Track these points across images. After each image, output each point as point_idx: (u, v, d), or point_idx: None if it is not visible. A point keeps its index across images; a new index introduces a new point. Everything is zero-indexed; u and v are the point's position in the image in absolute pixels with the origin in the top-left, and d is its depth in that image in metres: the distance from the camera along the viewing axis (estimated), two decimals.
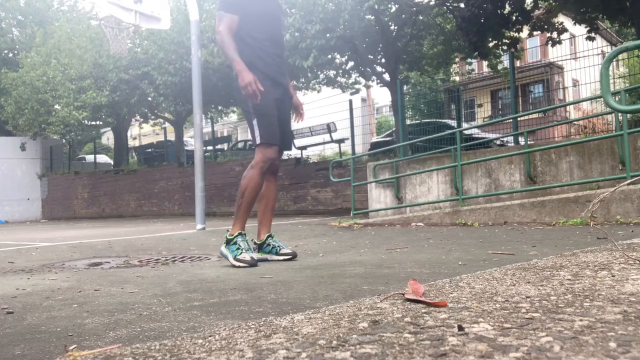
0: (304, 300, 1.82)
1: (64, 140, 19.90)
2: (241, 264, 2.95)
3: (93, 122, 19.26)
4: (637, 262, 1.62)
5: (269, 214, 3.37)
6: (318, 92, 16.84)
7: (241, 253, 3.00)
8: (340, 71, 15.35)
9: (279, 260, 3.18)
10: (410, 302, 1.17)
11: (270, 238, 3.30)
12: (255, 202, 3.20)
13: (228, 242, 3.08)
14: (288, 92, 3.39)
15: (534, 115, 15.06)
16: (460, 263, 2.67)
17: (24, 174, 19.62)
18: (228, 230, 3.14)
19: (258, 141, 3.16)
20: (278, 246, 3.27)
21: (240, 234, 3.09)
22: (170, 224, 10.20)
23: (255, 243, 3.31)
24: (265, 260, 3.20)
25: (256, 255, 3.15)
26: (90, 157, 24.53)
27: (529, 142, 7.32)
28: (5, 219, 18.29)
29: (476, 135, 11.43)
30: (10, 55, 22.07)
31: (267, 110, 3.18)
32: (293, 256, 3.23)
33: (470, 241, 3.90)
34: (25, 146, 19.26)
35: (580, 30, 12.48)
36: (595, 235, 3.66)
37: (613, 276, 1.40)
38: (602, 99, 3.99)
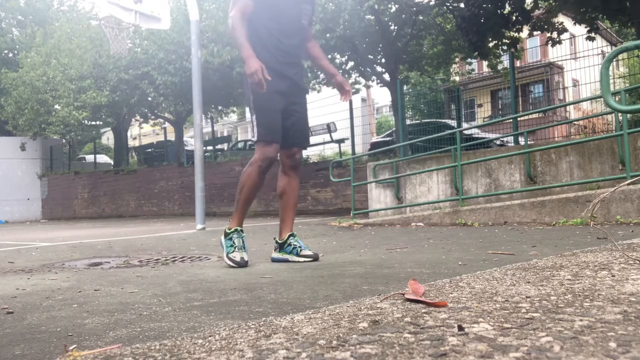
0: (304, 300, 1.82)
1: (64, 140, 19.90)
2: (230, 263, 2.92)
3: (93, 122, 19.27)
4: (637, 262, 1.62)
5: (290, 211, 3.24)
6: (318, 92, 16.84)
7: (233, 251, 2.97)
8: (340, 71, 15.34)
9: (300, 262, 3.05)
10: (410, 302, 1.17)
11: (292, 237, 3.16)
12: (252, 200, 3.13)
13: (226, 235, 3.07)
14: (299, 84, 3.21)
15: (534, 115, 15.07)
16: (460, 263, 2.67)
17: (24, 174, 19.62)
18: (230, 221, 3.15)
19: (255, 138, 3.07)
20: (299, 247, 3.14)
21: (236, 230, 3.04)
22: (170, 224, 10.20)
23: (276, 242, 3.21)
24: (286, 261, 3.09)
25: (277, 255, 3.15)
26: (90, 157, 24.54)
27: (529, 142, 7.32)
28: (5, 219, 18.29)
29: (476, 135, 11.44)
30: (10, 55, 22.07)
31: (267, 105, 3.06)
32: (314, 259, 3.08)
33: (470, 241, 3.90)
34: (25, 146, 19.26)
35: (580, 30, 12.48)
36: (595, 235, 3.66)
37: (613, 276, 1.40)
38: (602, 99, 3.99)
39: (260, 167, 3.03)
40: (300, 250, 3.12)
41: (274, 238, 3.28)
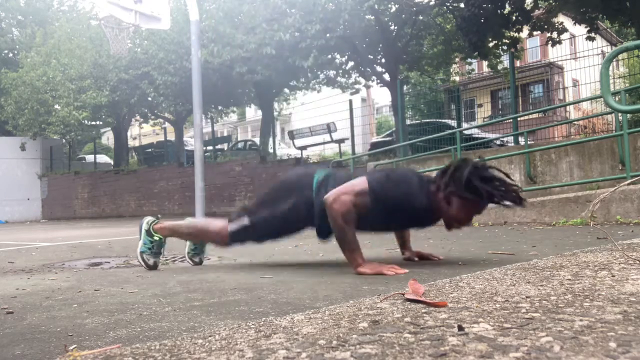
0: (304, 300, 1.82)
1: (64, 140, 19.91)
2: (141, 263, 2.94)
3: (93, 122, 19.27)
4: (637, 262, 1.62)
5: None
6: (318, 92, 16.85)
7: (148, 254, 2.94)
8: (340, 71, 15.35)
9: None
10: (410, 302, 1.17)
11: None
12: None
13: (149, 234, 2.95)
14: None
15: (534, 115, 15.05)
16: (460, 263, 2.67)
17: (24, 174, 19.62)
18: (157, 219, 3.03)
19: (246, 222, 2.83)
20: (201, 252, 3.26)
21: (160, 239, 2.96)
22: None
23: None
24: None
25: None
26: (90, 157, 24.54)
27: (529, 142, 7.32)
28: (5, 219, 18.28)
29: (476, 135, 11.43)
30: (10, 55, 22.08)
31: None
32: (197, 263, 3.20)
33: (470, 241, 3.90)
34: (25, 146, 19.26)
35: (580, 30, 12.48)
36: (595, 235, 3.66)
37: (613, 276, 1.40)
38: (602, 99, 3.99)
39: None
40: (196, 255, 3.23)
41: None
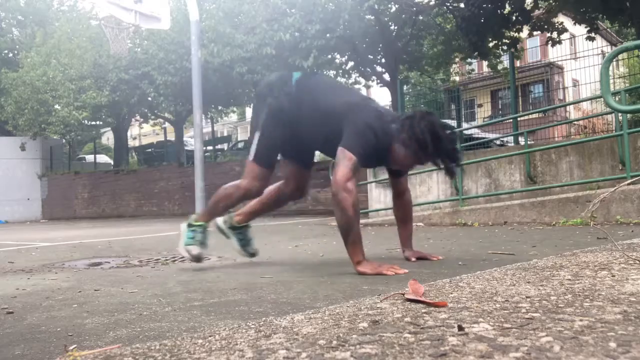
0: (304, 300, 1.82)
1: (64, 140, 19.91)
2: (186, 255, 2.93)
3: (93, 122, 19.28)
4: (637, 262, 1.62)
5: (259, 215, 3.23)
6: None
7: (192, 244, 2.93)
8: (340, 71, 15.35)
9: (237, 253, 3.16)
10: (410, 302, 1.17)
11: (246, 228, 3.18)
12: (225, 212, 3.11)
13: (190, 226, 2.99)
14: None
15: (534, 115, 15.05)
16: (460, 263, 2.67)
17: (24, 174, 19.62)
18: (195, 215, 3.08)
19: (250, 156, 2.92)
20: (249, 239, 3.20)
21: (202, 225, 3.00)
22: (170, 224, 10.20)
23: (230, 218, 3.16)
24: (226, 238, 3.14)
25: (223, 227, 3.10)
26: (90, 157, 24.54)
27: (529, 142, 7.32)
28: (5, 219, 18.28)
29: (476, 135, 11.43)
30: (10, 55, 22.08)
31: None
32: (252, 255, 3.17)
33: (470, 241, 3.90)
34: (25, 146, 19.25)
35: (580, 30, 12.49)
36: (595, 235, 3.66)
37: (613, 276, 1.40)
38: (602, 99, 3.99)
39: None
40: (246, 243, 3.18)
41: (230, 210, 3.19)
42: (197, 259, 2.94)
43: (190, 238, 2.95)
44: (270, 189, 3.09)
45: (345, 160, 2.51)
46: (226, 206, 3.03)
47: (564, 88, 19.53)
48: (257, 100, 2.98)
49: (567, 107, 19.00)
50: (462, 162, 2.66)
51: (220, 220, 3.13)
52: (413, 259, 2.90)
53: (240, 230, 3.15)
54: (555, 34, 12.71)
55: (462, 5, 12.17)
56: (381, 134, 2.55)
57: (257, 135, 2.88)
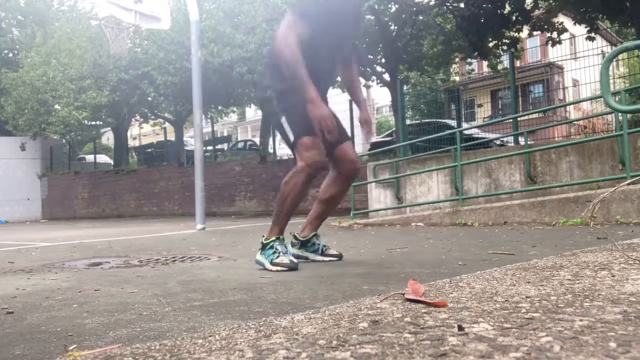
0: (304, 300, 1.82)
1: (64, 140, 19.91)
2: (279, 268, 2.66)
3: (93, 122, 19.27)
4: (637, 262, 1.62)
5: (323, 218, 3.16)
6: None
7: (278, 256, 2.71)
8: None
9: (323, 261, 2.98)
10: (410, 302, 1.17)
11: (315, 237, 3.09)
12: (295, 210, 2.88)
13: (263, 248, 2.79)
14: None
15: (534, 115, 15.04)
16: (460, 263, 2.67)
17: (24, 174, 19.62)
18: (263, 236, 2.86)
19: (292, 138, 2.78)
20: (324, 246, 3.08)
21: (277, 238, 2.81)
22: (170, 224, 10.20)
23: (296, 239, 3.09)
24: (306, 259, 3.02)
25: (297, 252, 3.01)
26: (90, 157, 24.53)
27: (529, 142, 7.32)
28: (5, 219, 18.28)
29: (476, 135, 11.43)
30: (10, 55, 22.07)
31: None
32: (339, 257, 3.04)
33: (470, 241, 3.90)
34: (25, 146, 19.26)
35: (580, 30, 12.49)
36: (595, 235, 3.66)
37: (613, 276, 1.40)
38: (602, 99, 3.99)
39: (309, 175, 2.82)
40: (326, 249, 3.08)
41: (292, 233, 3.14)
42: (292, 266, 2.68)
43: (273, 254, 2.74)
44: (323, 185, 3.07)
45: (284, 21, 2.79)
46: (294, 200, 2.81)
47: (564, 88, 19.54)
48: (263, 105, 3.02)
49: (567, 107, 19.00)
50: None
51: (290, 251, 2.94)
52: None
53: (310, 242, 3.07)
54: (555, 34, 12.72)
55: (462, 5, 12.18)
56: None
57: (284, 119, 2.83)
